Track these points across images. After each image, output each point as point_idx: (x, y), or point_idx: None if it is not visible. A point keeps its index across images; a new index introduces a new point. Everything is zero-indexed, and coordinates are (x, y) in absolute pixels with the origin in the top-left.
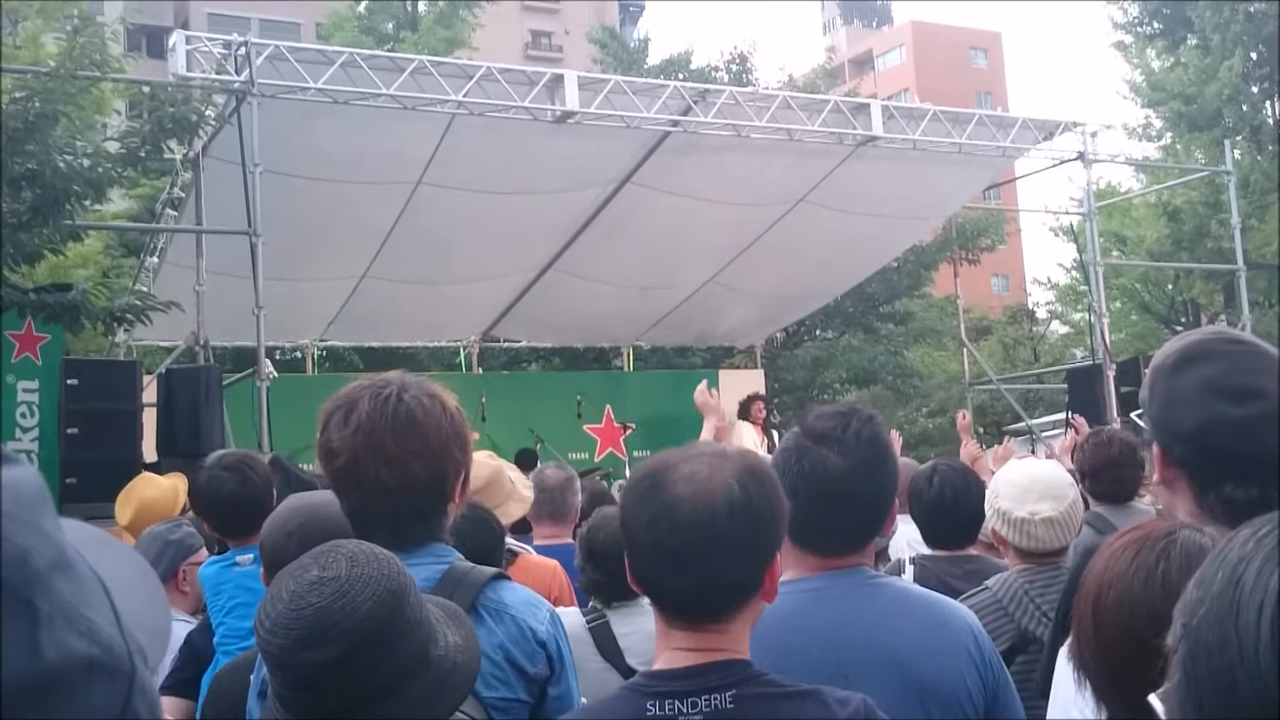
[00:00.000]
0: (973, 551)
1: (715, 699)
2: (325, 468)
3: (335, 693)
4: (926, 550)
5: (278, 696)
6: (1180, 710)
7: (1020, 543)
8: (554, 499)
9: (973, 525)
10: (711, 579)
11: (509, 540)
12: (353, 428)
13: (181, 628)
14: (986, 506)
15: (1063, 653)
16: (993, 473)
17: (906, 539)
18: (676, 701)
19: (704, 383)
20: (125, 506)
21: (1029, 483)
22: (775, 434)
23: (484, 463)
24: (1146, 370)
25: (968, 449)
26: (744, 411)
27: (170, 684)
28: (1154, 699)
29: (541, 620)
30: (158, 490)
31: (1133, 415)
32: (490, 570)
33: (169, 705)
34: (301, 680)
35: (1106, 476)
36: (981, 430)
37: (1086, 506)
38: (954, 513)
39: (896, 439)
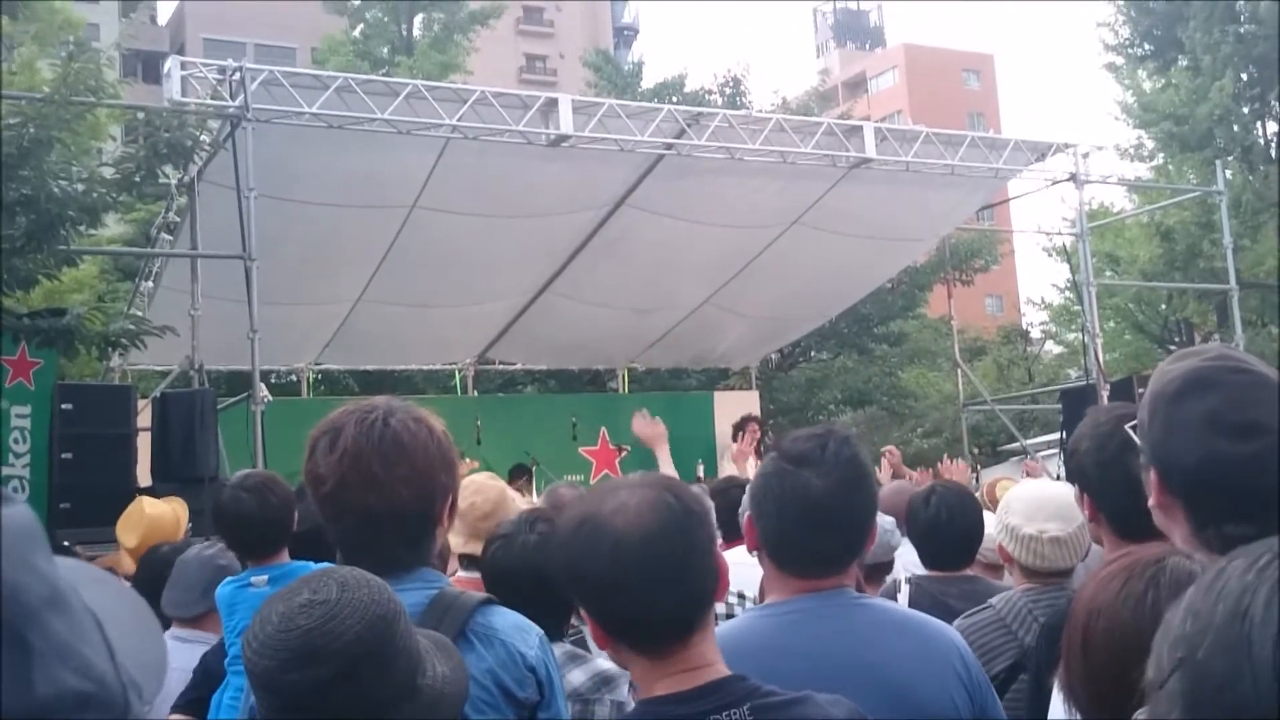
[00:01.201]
0: (970, 573)
1: (734, 713)
2: (313, 493)
3: (319, 716)
4: (922, 571)
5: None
6: None
7: (1026, 560)
8: None
9: (970, 546)
10: (687, 592)
11: None
12: (339, 453)
13: (199, 649)
14: (996, 522)
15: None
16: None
17: (903, 560)
18: None
19: (642, 411)
20: (131, 530)
21: (1041, 501)
22: None
23: (489, 485)
24: (1144, 391)
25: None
26: (736, 436)
27: (182, 703)
28: None
29: (531, 645)
30: (159, 511)
31: (1127, 428)
32: (479, 595)
33: None
34: (287, 703)
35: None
36: (976, 451)
37: None
38: (950, 533)
39: (896, 456)
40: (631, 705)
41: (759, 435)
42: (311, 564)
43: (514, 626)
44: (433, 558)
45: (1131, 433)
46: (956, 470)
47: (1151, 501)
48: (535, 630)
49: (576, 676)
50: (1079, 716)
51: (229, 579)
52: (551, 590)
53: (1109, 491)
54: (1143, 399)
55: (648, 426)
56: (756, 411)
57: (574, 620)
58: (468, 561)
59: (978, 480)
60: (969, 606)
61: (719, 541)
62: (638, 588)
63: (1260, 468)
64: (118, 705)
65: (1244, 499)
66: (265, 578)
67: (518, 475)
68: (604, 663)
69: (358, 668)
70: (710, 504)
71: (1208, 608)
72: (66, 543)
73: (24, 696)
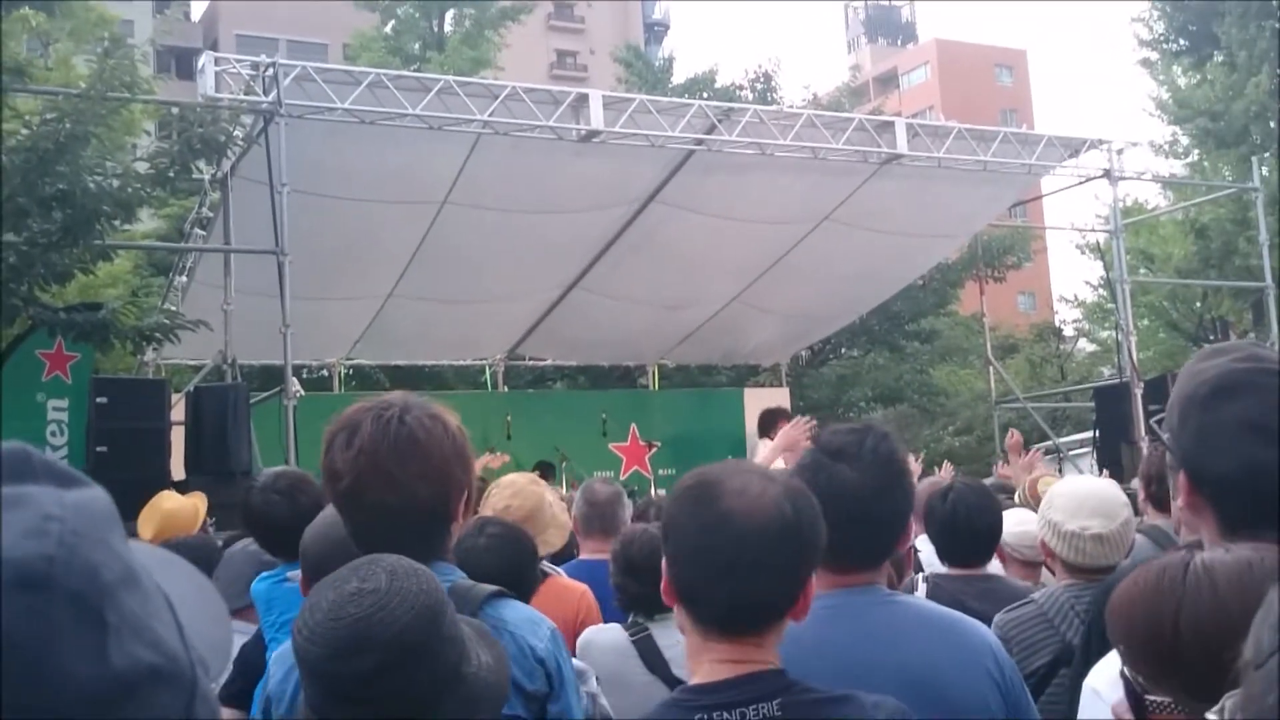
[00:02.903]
0: (991, 571)
1: (763, 708)
2: (329, 489)
3: (369, 705)
4: (941, 569)
5: (312, 707)
6: None
7: (1069, 556)
8: (604, 513)
9: (988, 544)
10: (755, 593)
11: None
12: (355, 450)
13: (240, 640)
14: (1039, 518)
15: (1089, 683)
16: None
17: (920, 558)
18: (724, 713)
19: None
20: (148, 522)
21: (1083, 497)
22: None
23: (529, 489)
24: (1174, 391)
25: (1023, 463)
26: (765, 428)
27: (225, 695)
28: (1212, 716)
29: (541, 638)
30: (177, 504)
31: (1153, 423)
32: (490, 588)
33: (223, 714)
34: (337, 691)
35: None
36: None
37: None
38: (968, 531)
39: (917, 465)
40: (602, 696)
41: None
42: None
43: (524, 619)
44: (447, 551)
45: (1156, 428)
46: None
47: (1180, 503)
48: (546, 623)
49: None
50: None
51: (265, 574)
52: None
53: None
54: (1171, 399)
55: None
56: (787, 407)
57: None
58: None
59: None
60: (986, 605)
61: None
62: (710, 569)
63: None
64: (187, 679)
65: (1277, 504)
66: (299, 573)
67: (543, 475)
68: (574, 660)
69: (406, 658)
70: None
71: None
72: None
73: (101, 669)
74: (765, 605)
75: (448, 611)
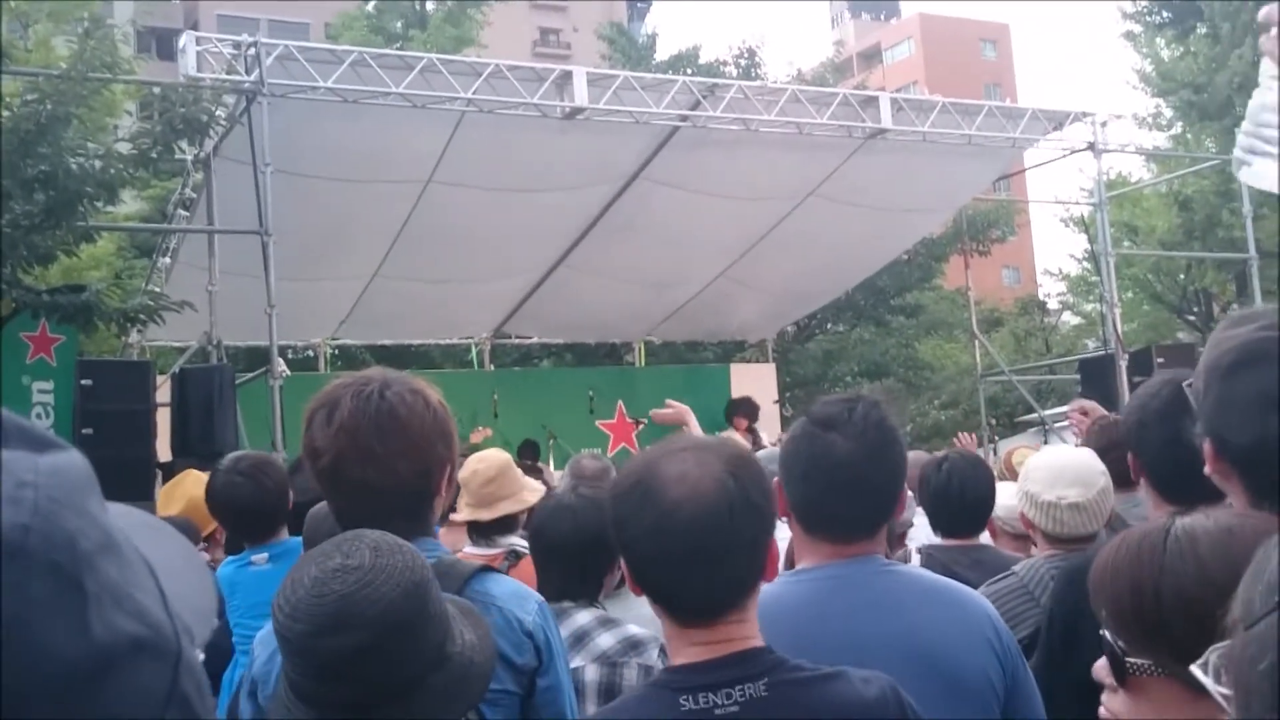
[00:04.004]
0: (983, 542)
1: (749, 688)
2: (310, 466)
3: (353, 683)
4: (935, 540)
5: (293, 687)
6: (1268, 686)
7: (1048, 527)
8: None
9: (980, 514)
10: (723, 577)
11: (513, 540)
12: (336, 427)
13: None
14: (1017, 490)
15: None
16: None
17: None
18: (710, 694)
19: (660, 410)
20: (172, 501)
21: (1060, 468)
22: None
23: (491, 454)
24: (1200, 359)
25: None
26: (729, 416)
27: None
28: (1196, 670)
29: (529, 611)
30: (203, 492)
31: (1185, 385)
32: (475, 564)
33: None
34: (320, 669)
35: (1110, 457)
36: (994, 422)
37: None
38: (960, 501)
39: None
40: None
41: (745, 425)
42: None
43: (511, 594)
44: (431, 527)
45: (1188, 391)
46: (966, 443)
47: (1208, 469)
48: (534, 597)
49: (605, 640)
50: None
51: (229, 558)
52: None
53: (1151, 452)
54: (1198, 367)
55: (669, 413)
56: (773, 385)
57: None
58: (476, 534)
59: (995, 451)
60: (979, 576)
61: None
62: (674, 564)
63: None
64: (171, 648)
65: None
66: (265, 555)
67: (525, 453)
68: (634, 628)
69: (390, 635)
70: (772, 484)
71: None
72: None
73: (81, 640)
74: (734, 585)
75: (432, 589)
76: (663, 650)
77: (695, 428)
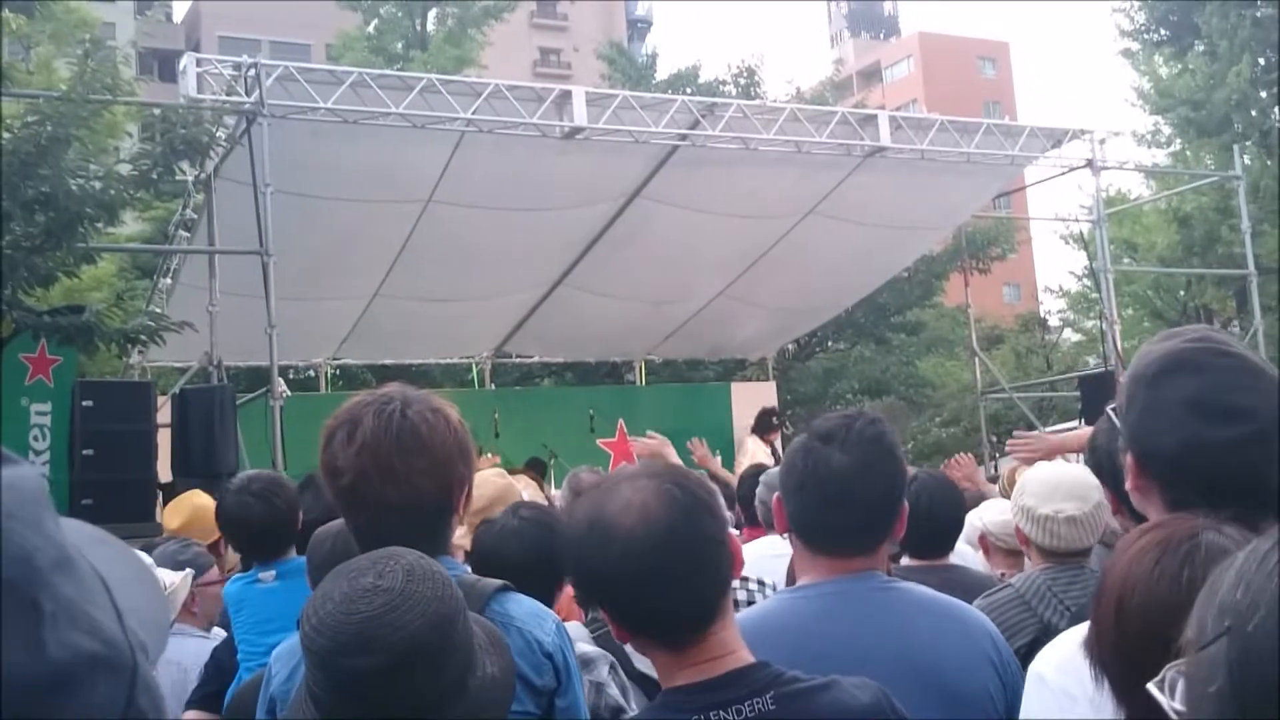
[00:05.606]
0: (952, 561)
1: (758, 702)
2: (330, 486)
3: (369, 704)
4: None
5: (312, 695)
6: (1216, 711)
7: (1043, 541)
8: None
9: (950, 535)
10: (702, 580)
11: None
12: (357, 445)
13: (204, 644)
14: (1012, 504)
15: (1035, 667)
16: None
17: None
18: (720, 711)
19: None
20: (177, 513)
21: (1056, 482)
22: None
23: (491, 479)
24: (1125, 373)
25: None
26: (762, 427)
27: (197, 699)
28: (1153, 688)
29: (548, 632)
30: (207, 502)
31: (1109, 409)
32: (496, 582)
33: (189, 715)
34: (338, 685)
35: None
36: (994, 439)
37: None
38: (929, 522)
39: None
40: (610, 685)
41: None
42: None
43: (530, 614)
44: (449, 546)
45: (1113, 415)
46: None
47: (1129, 484)
48: (552, 617)
49: None
50: (1107, 686)
51: (236, 575)
52: (541, 573)
53: (1116, 475)
54: (1122, 380)
55: (647, 449)
56: (774, 402)
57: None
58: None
59: (996, 468)
60: (949, 595)
61: (733, 528)
62: (651, 586)
63: (1240, 454)
64: (127, 666)
65: (1221, 485)
66: (273, 573)
67: (530, 470)
68: (584, 645)
69: (412, 662)
70: (715, 488)
71: (1261, 581)
72: None
73: (37, 659)
74: (718, 585)
75: (459, 621)
76: (613, 667)
77: (673, 458)
